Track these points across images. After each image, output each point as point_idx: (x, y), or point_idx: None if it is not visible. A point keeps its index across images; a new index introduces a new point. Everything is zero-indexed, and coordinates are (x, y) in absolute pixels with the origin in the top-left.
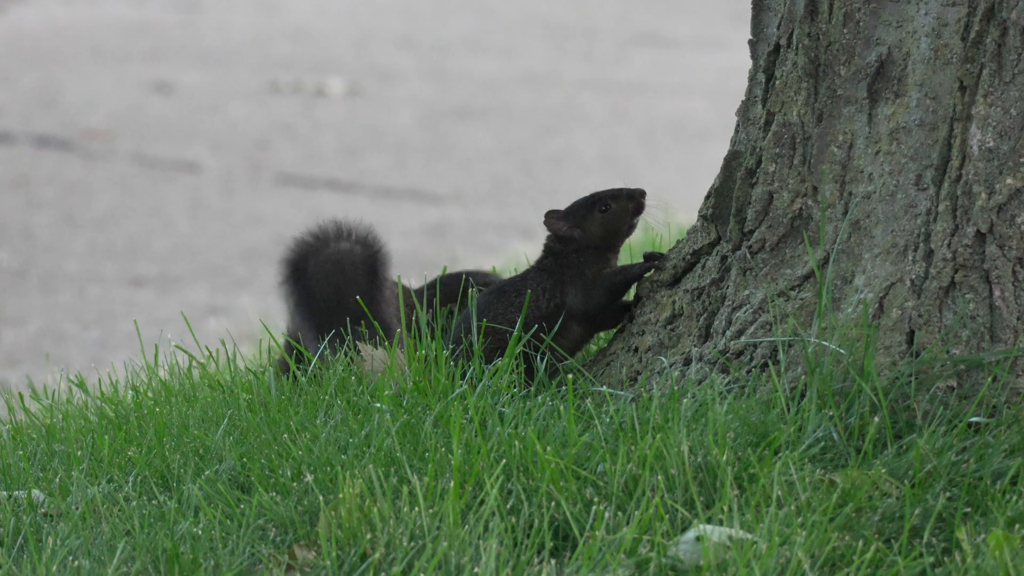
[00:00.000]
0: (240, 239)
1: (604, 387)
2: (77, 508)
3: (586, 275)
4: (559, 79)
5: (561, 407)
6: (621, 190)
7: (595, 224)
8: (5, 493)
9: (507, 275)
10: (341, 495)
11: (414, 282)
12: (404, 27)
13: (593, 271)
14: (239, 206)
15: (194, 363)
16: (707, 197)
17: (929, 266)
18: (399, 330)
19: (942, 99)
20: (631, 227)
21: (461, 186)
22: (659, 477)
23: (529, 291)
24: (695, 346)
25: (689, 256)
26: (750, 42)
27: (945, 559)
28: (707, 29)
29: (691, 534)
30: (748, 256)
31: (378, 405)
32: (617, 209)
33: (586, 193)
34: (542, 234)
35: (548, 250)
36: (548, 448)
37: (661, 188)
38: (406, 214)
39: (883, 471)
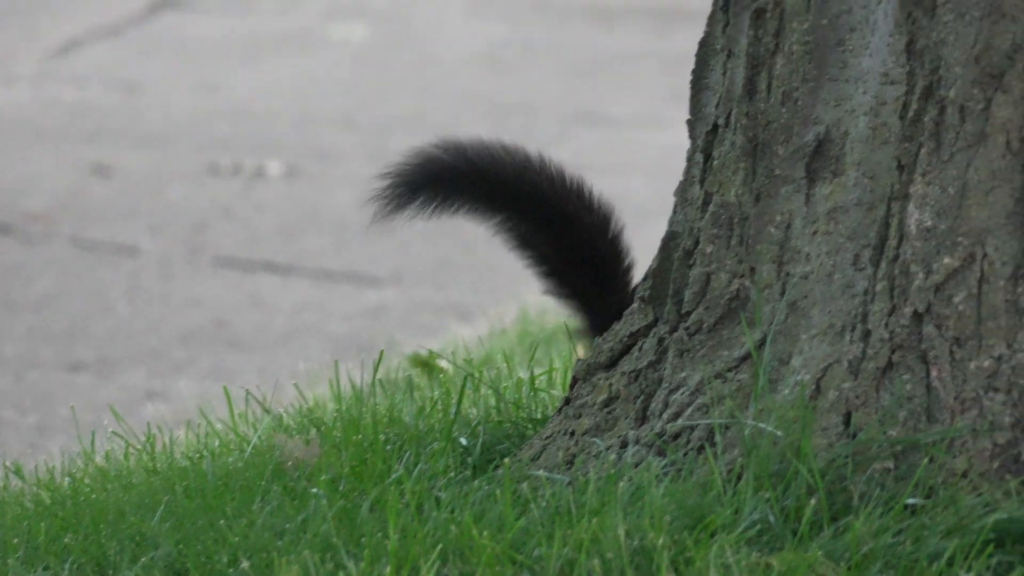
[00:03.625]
0: (178, 322)
1: (540, 471)
2: None
3: None
4: None
5: (498, 491)
6: None
7: None
8: None
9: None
10: None
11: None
12: (345, 106)
13: None
14: (177, 289)
15: (131, 449)
16: (644, 279)
17: (866, 347)
18: None
19: (880, 178)
20: None
21: (400, 267)
22: (595, 561)
23: None
24: (632, 429)
25: (626, 338)
26: (688, 122)
27: None
28: (647, 107)
29: None
30: (685, 338)
31: (314, 490)
32: None
33: None
34: (480, 316)
35: None
36: (484, 533)
37: None
38: (345, 296)
39: (820, 553)
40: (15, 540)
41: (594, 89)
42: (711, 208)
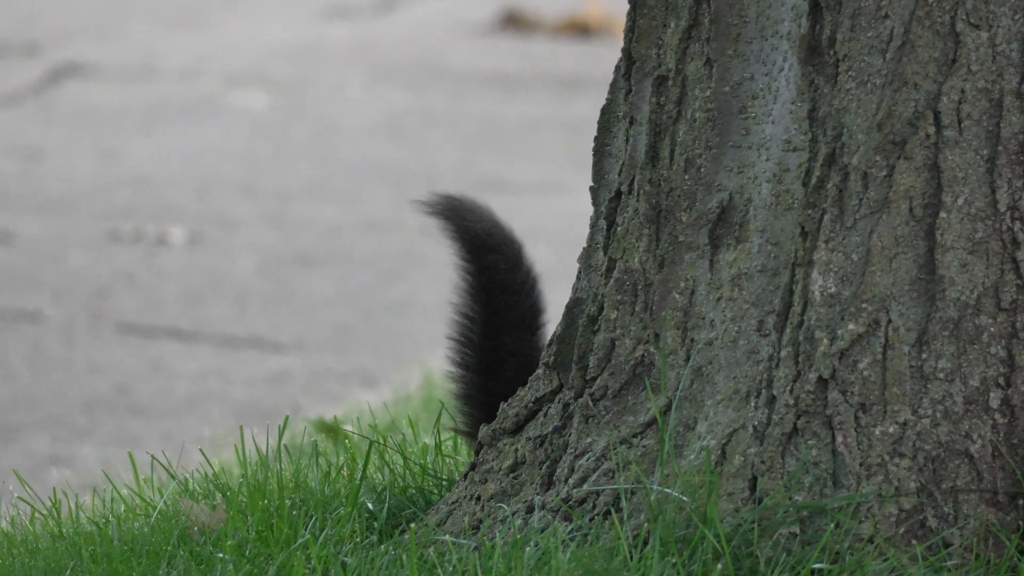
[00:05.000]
0: (81, 388)
1: (447, 536)
2: None
3: None
4: (401, 225)
5: (404, 556)
6: None
7: None
8: None
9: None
10: None
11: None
12: (246, 174)
13: None
14: (79, 356)
15: (36, 514)
16: (549, 344)
17: (771, 412)
18: None
19: (784, 245)
20: None
21: (303, 334)
22: None
23: None
24: (538, 494)
25: (531, 404)
26: (591, 188)
27: None
28: (549, 174)
29: None
30: (590, 403)
31: (221, 555)
32: None
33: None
34: (384, 382)
35: None
36: None
37: None
38: (248, 362)
39: None
40: None
41: (496, 156)
42: (615, 274)
